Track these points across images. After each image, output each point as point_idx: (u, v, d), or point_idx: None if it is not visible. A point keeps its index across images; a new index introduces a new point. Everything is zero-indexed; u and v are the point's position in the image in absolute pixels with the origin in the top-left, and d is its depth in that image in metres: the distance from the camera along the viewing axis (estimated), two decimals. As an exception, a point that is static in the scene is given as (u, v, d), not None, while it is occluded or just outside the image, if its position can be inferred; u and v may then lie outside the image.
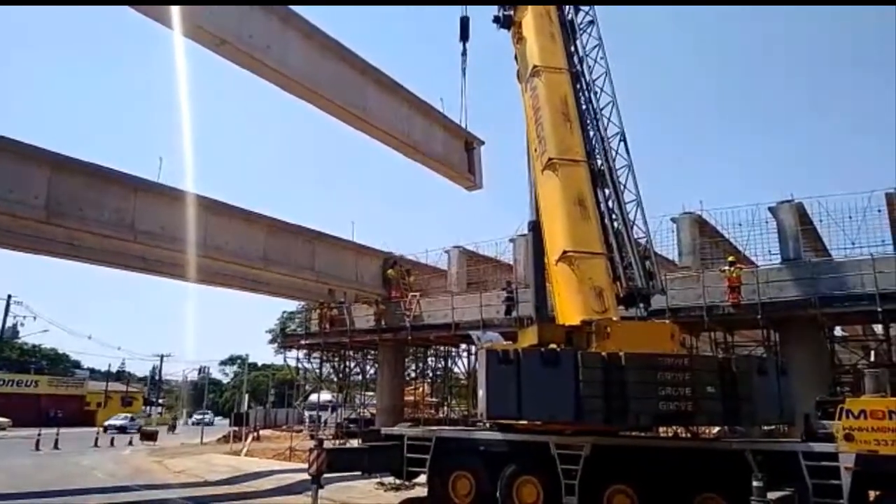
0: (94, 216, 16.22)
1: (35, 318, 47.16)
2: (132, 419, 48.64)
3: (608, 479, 10.89)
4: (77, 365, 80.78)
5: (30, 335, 52.10)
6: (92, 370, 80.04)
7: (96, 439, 35.31)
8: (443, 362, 31.14)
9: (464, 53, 18.50)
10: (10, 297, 44.42)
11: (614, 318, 11.79)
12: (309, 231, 22.90)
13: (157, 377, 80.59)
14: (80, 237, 17.56)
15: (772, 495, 8.37)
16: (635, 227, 13.20)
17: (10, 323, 46.36)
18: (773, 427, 13.30)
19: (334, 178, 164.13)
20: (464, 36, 18.43)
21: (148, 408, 70.77)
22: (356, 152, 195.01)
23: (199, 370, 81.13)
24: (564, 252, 12.53)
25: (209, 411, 55.08)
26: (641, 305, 12.86)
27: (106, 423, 45.16)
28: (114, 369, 74.67)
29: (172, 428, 51.06)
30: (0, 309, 44.59)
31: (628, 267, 12.71)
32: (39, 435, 32.46)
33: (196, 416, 51.44)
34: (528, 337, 12.51)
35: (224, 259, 20.11)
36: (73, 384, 64.19)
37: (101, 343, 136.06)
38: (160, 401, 79.97)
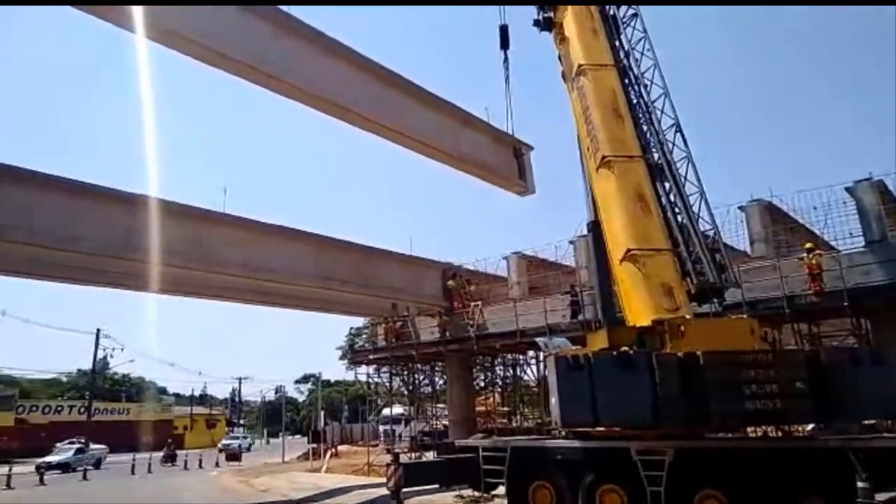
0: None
1: (122, 349, 49.74)
2: (244, 437, 53.41)
3: (697, 485, 10.36)
4: (163, 391, 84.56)
5: (118, 365, 55.11)
6: (176, 395, 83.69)
7: (185, 462, 36.84)
8: (511, 370, 30.82)
9: (505, 61, 18.55)
10: (98, 331, 46.98)
11: (687, 317, 11.34)
12: (366, 248, 23.22)
13: (236, 399, 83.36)
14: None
15: (881, 497, 7.78)
16: (700, 220, 12.69)
17: (100, 355, 48.97)
18: (874, 422, 12.44)
19: (381, 194, 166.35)
20: (504, 44, 18.50)
21: (230, 429, 73.33)
22: (403, 167, 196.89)
23: (276, 390, 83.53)
24: (628, 251, 12.17)
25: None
26: (715, 301, 12.34)
27: (222, 443, 49.38)
28: (196, 393, 77.81)
29: (247, 448, 53.68)
30: (91, 343, 47.04)
31: (697, 261, 12.21)
32: (134, 460, 34.16)
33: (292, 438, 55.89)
34: (598, 340, 12.20)
35: (284, 281, 20.65)
36: (160, 410, 67.31)
37: (183, 369, 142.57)
38: (241, 421, 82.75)
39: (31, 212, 14.49)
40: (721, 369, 9.85)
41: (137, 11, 12.80)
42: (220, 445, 49.30)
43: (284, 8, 15.90)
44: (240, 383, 76.43)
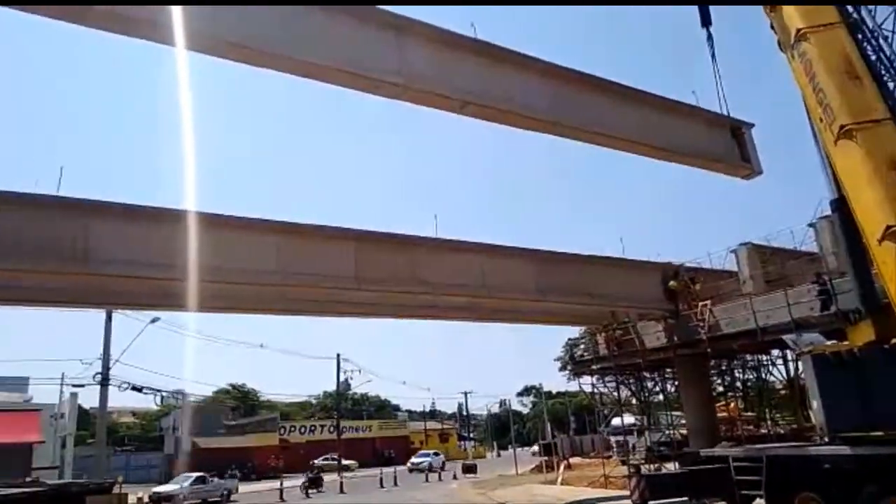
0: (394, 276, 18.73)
1: (360, 371, 54.80)
2: (435, 454, 51.96)
3: None
4: (397, 408, 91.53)
5: (358, 386, 60.99)
6: (409, 412, 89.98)
7: (426, 476, 39.46)
8: (753, 372, 28.24)
9: (709, 39, 17.44)
10: (339, 355, 52.54)
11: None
12: (584, 257, 23.08)
13: (464, 413, 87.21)
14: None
15: None
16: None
17: (342, 378, 54.53)
18: None
19: (585, 198, 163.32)
20: (706, 21, 17.42)
21: (462, 443, 76.83)
22: (591, 167, 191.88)
23: (500, 403, 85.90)
24: (888, 228, 10.59)
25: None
26: None
27: (411, 463, 48.97)
28: (427, 409, 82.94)
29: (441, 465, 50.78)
30: (332, 367, 52.84)
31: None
32: (381, 473, 37.45)
33: (521, 450, 54.44)
34: (862, 333, 10.77)
35: (508, 297, 21.32)
36: (397, 426, 72.92)
37: (413, 386, 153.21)
38: (471, 435, 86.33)
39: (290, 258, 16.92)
40: None
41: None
42: (409, 465, 48.47)
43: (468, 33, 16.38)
44: (466, 398, 79.89)
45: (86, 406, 46.55)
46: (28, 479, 13.68)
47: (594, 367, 28.08)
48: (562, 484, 27.28)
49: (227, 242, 16.15)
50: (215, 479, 32.46)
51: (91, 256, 14.13)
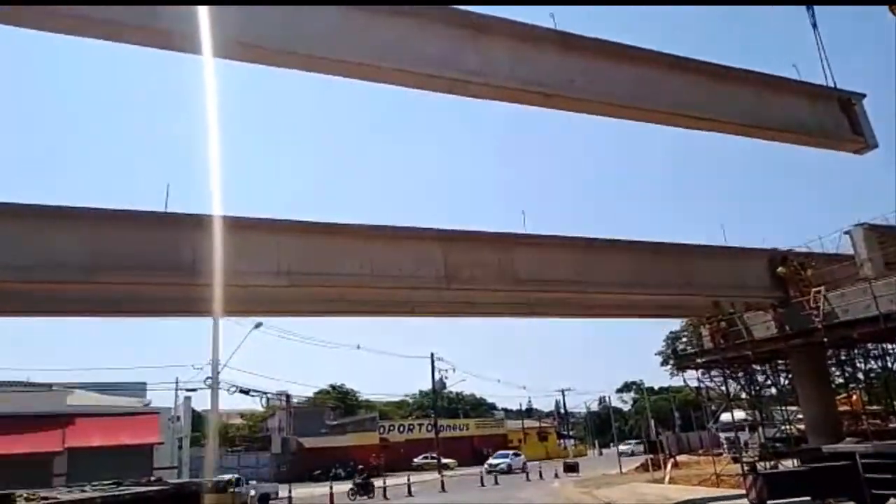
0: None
1: (454, 369, 55.24)
2: (514, 454, 49.78)
3: None
4: (493, 407, 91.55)
5: (453, 385, 61.52)
6: (505, 410, 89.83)
7: (527, 474, 39.15)
8: (877, 362, 25.98)
9: (809, 7, 16.29)
10: (432, 355, 53.21)
11: None
12: (680, 246, 22.05)
13: (562, 411, 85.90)
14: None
15: None
16: None
17: (437, 377, 55.16)
18: None
19: (682, 186, 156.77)
20: None
21: (562, 441, 75.70)
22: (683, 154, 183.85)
23: (599, 400, 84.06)
24: None
25: (632, 440, 54.50)
26: None
27: (487, 464, 45.50)
28: (522, 407, 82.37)
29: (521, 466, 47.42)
30: (426, 366, 53.59)
31: None
32: (482, 473, 37.51)
33: (623, 447, 52.04)
34: None
35: (594, 291, 20.73)
36: (494, 424, 72.90)
37: (509, 384, 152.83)
38: (570, 433, 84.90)
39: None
40: None
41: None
42: (486, 466, 44.58)
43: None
44: (563, 395, 78.77)
45: (198, 409, 49.65)
46: (152, 479, 14.67)
47: (699, 360, 26.78)
48: (669, 482, 26.26)
49: (315, 248, 16.71)
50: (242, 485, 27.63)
51: (197, 268, 14.92)
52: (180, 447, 36.85)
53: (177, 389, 37.13)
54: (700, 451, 39.08)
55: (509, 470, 43.06)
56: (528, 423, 76.00)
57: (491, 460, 46.97)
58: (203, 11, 10.28)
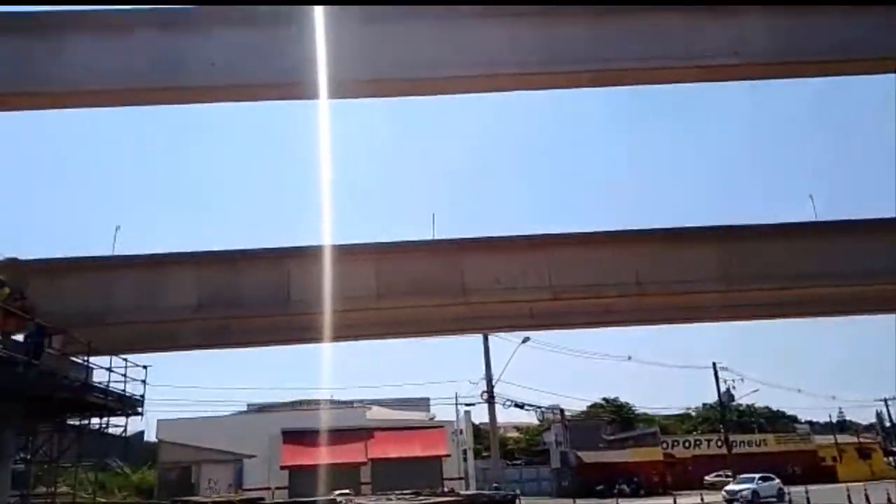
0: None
1: (742, 379, 50.13)
2: (762, 478, 39.97)
3: None
4: (794, 419, 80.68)
5: (743, 396, 55.54)
6: (809, 423, 78.44)
7: (848, 496, 33.28)
8: None
9: None
10: (714, 364, 48.71)
11: None
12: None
13: (886, 423, 72.07)
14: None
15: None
16: None
17: (723, 388, 50.44)
18: None
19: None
20: None
21: (890, 459, 63.43)
22: None
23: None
24: None
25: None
26: None
27: (725, 491, 38.71)
28: (833, 419, 71.12)
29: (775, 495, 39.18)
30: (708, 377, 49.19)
31: None
32: (806, 491, 32.59)
33: None
34: None
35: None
36: (799, 440, 63.98)
37: (812, 394, 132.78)
38: (899, 449, 70.58)
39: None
40: None
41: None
42: (724, 493, 38.00)
43: None
44: (886, 405, 66.02)
45: (476, 422, 52.34)
46: (445, 489, 15.54)
47: None
48: None
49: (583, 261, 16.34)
50: None
51: (293, 297, 14.98)
52: (465, 459, 39.06)
53: (457, 404, 39.59)
54: None
55: (756, 497, 36.21)
56: (843, 437, 65.11)
57: (732, 486, 38.97)
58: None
